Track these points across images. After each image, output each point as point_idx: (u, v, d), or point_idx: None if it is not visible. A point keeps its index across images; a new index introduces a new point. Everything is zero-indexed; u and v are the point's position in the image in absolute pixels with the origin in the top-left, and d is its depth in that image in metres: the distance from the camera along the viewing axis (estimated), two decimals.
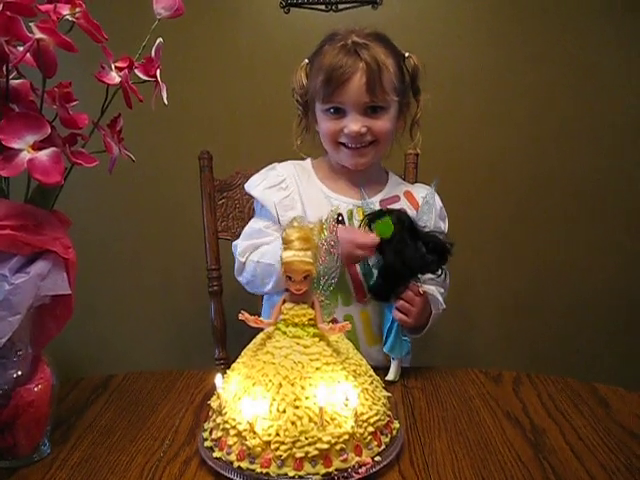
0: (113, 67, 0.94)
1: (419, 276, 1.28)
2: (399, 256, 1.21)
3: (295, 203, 1.41)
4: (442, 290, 1.45)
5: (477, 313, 2.29)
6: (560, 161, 2.19)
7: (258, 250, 1.40)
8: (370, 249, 1.25)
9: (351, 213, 1.40)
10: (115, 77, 0.93)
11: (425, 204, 1.36)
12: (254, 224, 1.46)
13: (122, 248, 2.28)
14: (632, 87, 2.16)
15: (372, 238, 1.23)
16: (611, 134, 2.18)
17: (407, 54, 1.43)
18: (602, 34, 2.13)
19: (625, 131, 2.18)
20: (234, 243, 1.48)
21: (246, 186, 1.49)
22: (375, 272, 1.28)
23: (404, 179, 1.63)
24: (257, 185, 1.45)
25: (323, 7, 2.13)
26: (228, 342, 1.69)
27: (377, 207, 1.35)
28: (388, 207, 1.34)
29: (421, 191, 1.45)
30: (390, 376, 1.25)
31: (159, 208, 2.24)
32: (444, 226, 1.48)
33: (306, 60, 1.46)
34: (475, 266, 2.23)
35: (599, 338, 2.27)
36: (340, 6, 2.13)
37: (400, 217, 1.23)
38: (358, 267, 1.35)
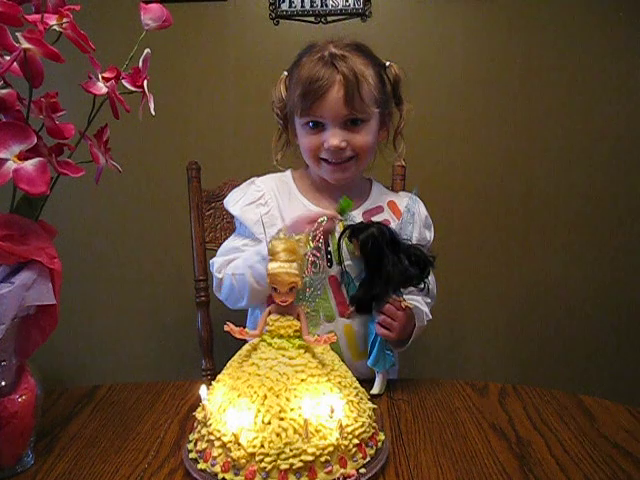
0: (100, 77, 0.94)
1: (401, 290, 1.27)
2: (381, 270, 1.21)
3: (275, 219, 1.40)
4: (429, 300, 1.44)
5: (466, 325, 2.29)
6: (552, 171, 2.21)
7: (232, 264, 1.39)
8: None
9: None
10: (102, 87, 0.93)
11: (407, 212, 1.35)
12: (232, 242, 1.46)
13: (108, 258, 2.27)
14: (627, 98, 2.18)
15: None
16: (604, 143, 2.20)
17: (388, 63, 1.42)
18: (594, 42, 2.15)
19: (620, 143, 2.20)
20: (211, 261, 1.47)
21: (225, 202, 1.48)
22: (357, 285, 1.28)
23: (393, 190, 1.62)
24: (236, 202, 1.44)
25: (312, 19, 2.14)
26: (215, 353, 1.69)
27: (358, 220, 1.35)
28: (370, 219, 1.34)
29: (405, 200, 1.43)
30: (375, 389, 1.24)
31: (147, 219, 2.23)
32: (430, 235, 1.48)
33: (285, 72, 1.45)
34: (464, 277, 2.23)
35: (589, 350, 2.28)
36: (329, 18, 2.13)
37: (381, 230, 1.23)
38: (339, 280, 1.34)
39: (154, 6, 0.99)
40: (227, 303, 1.44)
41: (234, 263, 1.39)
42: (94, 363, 2.31)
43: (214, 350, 1.69)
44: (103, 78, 0.94)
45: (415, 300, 1.38)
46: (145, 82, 0.98)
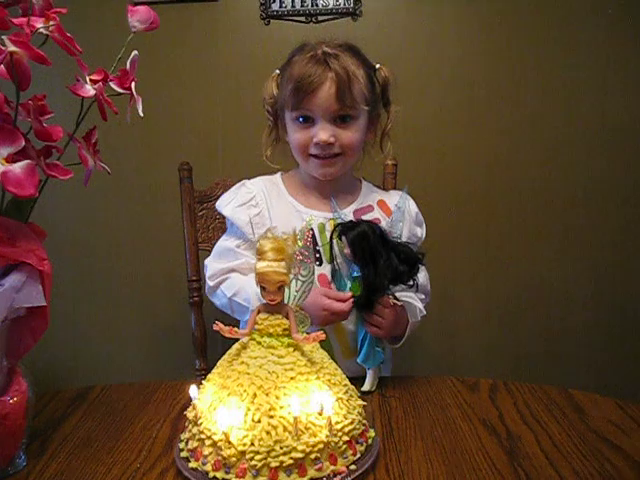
0: (88, 80, 0.95)
1: (391, 287, 1.28)
2: (371, 268, 1.21)
3: (265, 220, 1.41)
4: (423, 296, 1.45)
5: (458, 322, 2.29)
6: (543, 168, 2.21)
7: (230, 281, 1.41)
8: (347, 315, 1.27)
9: (323, 227, 1.40)
10: (90, 90, 0.94)
11: (397, 211, 1.38)
12: (225, 242, 1.47)
13: (100, 260, 2.27)
14: (620, 100, 2.18)
15: (348, 305, 1.25)
16: (597, 142, 2.21)
17: (378, 65, 1.44)
18: (588, 41, 2.16)
19: (615, 144, 2.21)
20: (205, 262, 1.48)
21: (217, 205, 1.49)
22: (348, 283, 1.28)
23: (383, 189, 1.63)
24: (227, 203, 1.46)
25: (303, 19, 2.14)
26: (209, 353, 1.69)
27: (350, 218, 1.36)
28: (360, 218, 1.35)
29: (395, 199, 1.45)
30: (366, 386, 1.25)
31: (139, 219, 2.24)
32: (421, 232, 1.49)
33: (277, 71, 1.47)
34: (456, 274, 2.24)
35: (579, 346, 2.29)
36: (320, 18, 2.14)
37: (371, 228, 1.23)
38: (330, 279, 1.35)
39: (141, 8, 1.00)
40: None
41: (233, 283, 1.41)
42: (87, 364, 2.31)
43: (208, 350, 1.70)
44: (91, 80, 0.95)
45: (408, 296, 1.39)
46: (133, 84, 0.98)
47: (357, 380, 1.18)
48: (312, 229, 1.38)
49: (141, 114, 0.99)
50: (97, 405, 1.22)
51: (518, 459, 0.97)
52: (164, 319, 2.26)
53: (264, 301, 0.95)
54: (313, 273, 1.05)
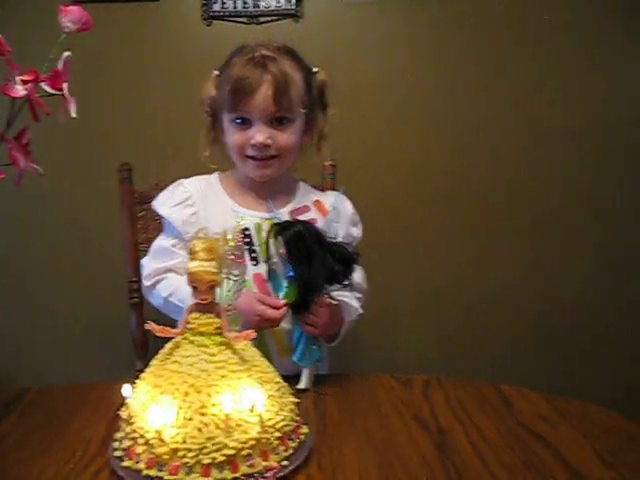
0: (18, 80, 0.94)
1: (326, 286, 1.29)
2: (307, 268, 1.23)
3: (201, 219, 1.42)
4: (359, 295, 1.48)
5: (397, 320, 2.32)
6: (483, 169, 2.26)
7: (166, 282, 1.42)
8: (279, 322, 1.28)
9: (259, 227, 1.41)
10: (20, 90, 0.93)
11: (333, 212, 1.40)
12: (161, 242, 1.47)
13: (39, 261, 2.25)
14: (570, 103, 2.24)
15: (281, 312, 1.26)
16: (541, 142, 2.26)
17: (315, 69, 1.46)
18: (539, 29, 2.20)
19: (565, 149, 2.27)
20: (141, 261, 1.49)
21: (153, 204, 1.49)
22: (284, 283, 1.29)
23: (322, 190, 1.65)
24: (164, 203, 1.47)
25: (245, 20, 2.15)
26: (151, 353, 1.67)
27: (286, 218, 1.37)
28: (296, 218, 1.37)
29: (331, 199, 1.48)
30: (302, 384, 1.26)
31: (78, 221, 2.22)
32: (357, 232, 1.52)
33: (216, 71, 1.47)
34: (395, 273, 2.27)
35: (514, 342, 2.33)
36: (262, 19, 2.15)
37: (307, 228, 1.25)
38: (266, 278, 1.37)
39: (74, 8, 1.00)
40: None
41: (170, 284, 1.41)
42: (26, 366, 2.27)
43: (150, 350, 1.69)
44: (21, 81, 0.94)
45: (344, 295, 1.40)
46: (65, 85, 0.98)
47: (293, 378, 1.19)
48: (248, 229, 1.39)
49: (73, 115, 0.99)
50: (33, 407, 1.21)
51: (447, 452, 1.00)
52: (104, 320, 2.23)
53: (196, 300, 0.96)
54: (245, 273, 1.06)
